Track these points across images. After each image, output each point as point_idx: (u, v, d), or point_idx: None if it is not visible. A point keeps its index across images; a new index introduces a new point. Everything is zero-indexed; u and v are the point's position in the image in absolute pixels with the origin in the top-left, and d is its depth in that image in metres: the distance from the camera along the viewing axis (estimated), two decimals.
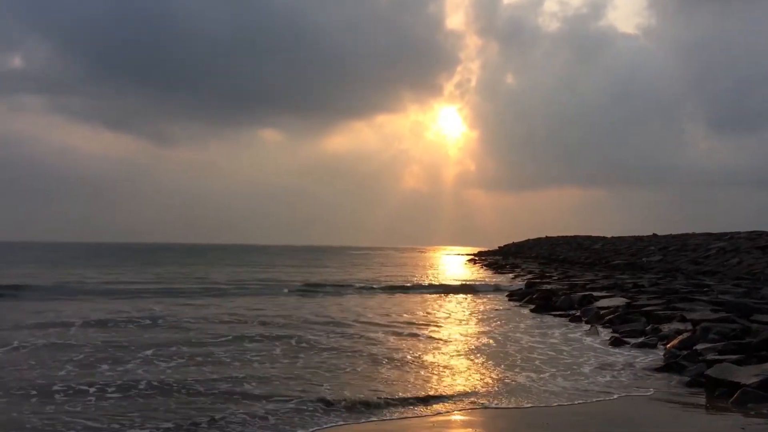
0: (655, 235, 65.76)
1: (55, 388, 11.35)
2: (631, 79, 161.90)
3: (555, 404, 11.64)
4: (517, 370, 14.79)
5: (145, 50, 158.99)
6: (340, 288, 36.94)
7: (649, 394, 12.58)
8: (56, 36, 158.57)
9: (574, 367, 15.27)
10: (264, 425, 9.62)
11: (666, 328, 18.87)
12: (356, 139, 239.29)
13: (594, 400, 12.05)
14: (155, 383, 11.88)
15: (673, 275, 36.73)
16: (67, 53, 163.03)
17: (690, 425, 10.34)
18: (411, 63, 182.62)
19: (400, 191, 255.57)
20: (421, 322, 23.39)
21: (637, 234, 72.67)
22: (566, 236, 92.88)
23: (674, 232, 63.04)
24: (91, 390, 11.29)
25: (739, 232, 49.98)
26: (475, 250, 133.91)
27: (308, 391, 11.64)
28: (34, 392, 10.98)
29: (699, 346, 15.72)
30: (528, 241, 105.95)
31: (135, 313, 23.07)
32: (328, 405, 10.74)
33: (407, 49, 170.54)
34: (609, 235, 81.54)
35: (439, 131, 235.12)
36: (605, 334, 20.17)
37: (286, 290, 34.53)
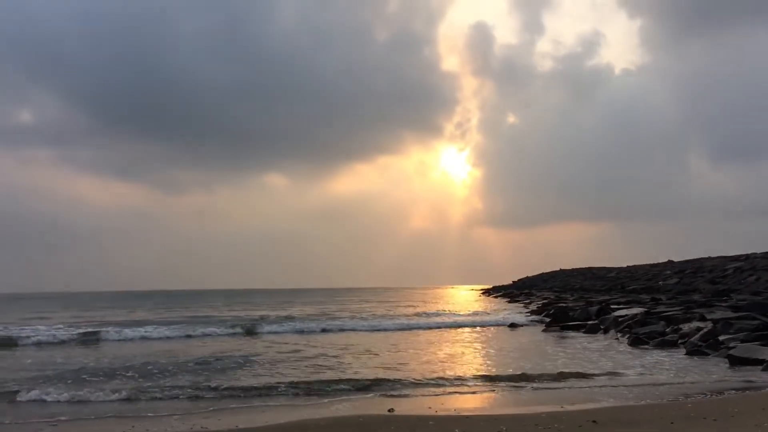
0: (670, 261, 65.11)
1: None
2: (630, 115, 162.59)
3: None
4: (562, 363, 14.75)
5: (150, 100, 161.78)
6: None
7: (673, 371, 12.52)
8: (63, 90, 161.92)
9: (608, 363, 15.19)
10: None
11: (686, 327, 18.63)
12: (360, 181, 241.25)
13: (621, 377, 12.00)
14: None
15: (690, 296, 36.26)
16: (74, 107, 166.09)
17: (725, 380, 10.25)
18: (410, 105, 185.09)
19: (407, 231, 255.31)
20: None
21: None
22: (580, 268, 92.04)
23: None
24: None
25: (755, 253, 49.49)
26: (488, 286, 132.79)
27: None
28: None
29: (721, 338, 15.57)
30: (542, 274, 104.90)
31: None
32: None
33: (405, 91, 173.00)
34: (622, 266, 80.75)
35: (443, 171, 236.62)
36: (624, 339, 19.93)
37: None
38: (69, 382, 12.69)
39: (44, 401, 10.72)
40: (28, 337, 22.46)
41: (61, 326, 27.92)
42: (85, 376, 13.37)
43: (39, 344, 21.35)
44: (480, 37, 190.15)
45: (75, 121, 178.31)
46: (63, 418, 9.49)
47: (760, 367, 11.92)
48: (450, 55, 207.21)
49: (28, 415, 9.68)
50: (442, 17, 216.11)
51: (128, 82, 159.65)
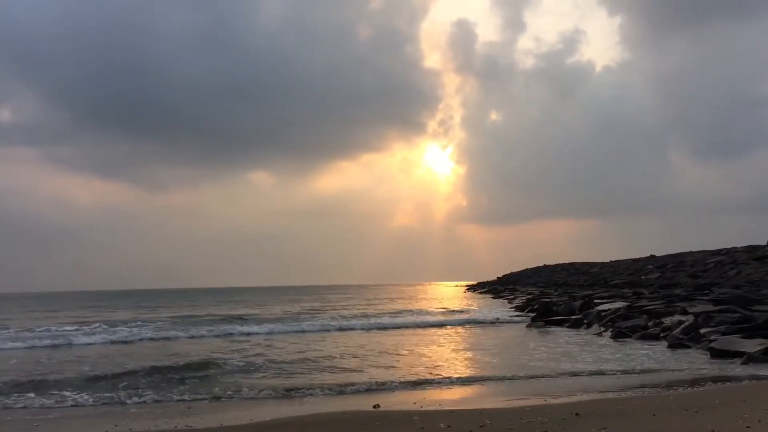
0: (652, 256, 65.70)
1: None
2: (612, 112, 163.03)
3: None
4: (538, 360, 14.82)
5: (133, 98, 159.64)
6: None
7: (655, 364, 12.64)
8: (44, 87, 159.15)
9: (591, 357, 15.30)
10: None
11: (668, 320, 18.82)
12: (345, 178, 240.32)
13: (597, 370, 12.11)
14: None
15: (672, 290, 36.56)
16: (56, 104, 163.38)
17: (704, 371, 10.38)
18: (393, 102, 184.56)
19: (392, 229, 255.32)
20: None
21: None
22: (564, 263, 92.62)
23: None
24: None
25: (736, 248, 50.05)
26: (473, 282, 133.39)
27: None
28: None
29: (702, 330, 15.74)
30: (526, 270, 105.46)
31: None
32: None
33: (388, 88, 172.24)
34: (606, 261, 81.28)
35: (427, 168, 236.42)
36: (608, 332, 20.10)
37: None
38: (49, 384, 12.54)
39: (26, 404, 10.57)
40: (6, 339, 22.15)
41: (43, 327, 27.65)
42: (65, 378, 13.21)
43: (19, 347, 20.99)
44: (462, 35, 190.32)
45: (56, 118, 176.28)
46: (48, 416, 9.41)
47: (740, 360, 12.10)
48: (432, 53, 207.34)
49: (10, 417, 9.56)
50: (425, 15, 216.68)
51: (111, 80, 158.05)
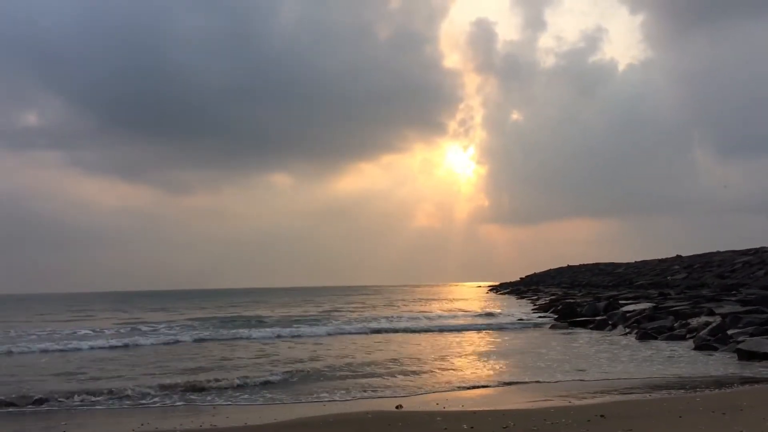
0: (678, 256, 64.77)
1: None
2: (635, 110, 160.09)
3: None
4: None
5: (155, 101, 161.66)
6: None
7: (681, 366, 12.47)
8: (69, 92, 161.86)
9: (616, 358, 15.16)
10: None
11: (694, 321, 18.55)
12: (365, 180, 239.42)
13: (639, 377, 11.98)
14: None
15: (699, 291, 35.95)
16: (80, 108, 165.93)
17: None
18: (413, 103, 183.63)
19: (413, 229, 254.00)
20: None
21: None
22: (588, 264, 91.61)
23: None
24: None
25: (764, 248, 49.11)
26: (495, 283, 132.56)
27: None
28: None
29: (730, 332, 15.50)
30: (550, 270, 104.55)
31: None
32: None
33: (408, 89, 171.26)
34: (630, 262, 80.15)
35: (448, 169, 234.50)
36: (633, 334, 19.86)
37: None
38: (74, 384, 12.75)
39: (55, 405, 10.77)
40: (34, 341, 22.55)
41: (73, 328, 28.16)
42: (89, 380, 13.42)
43: (51, 348, 21.19)
44: (482, 34, 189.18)
45: (81, 122, 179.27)
46: (76, 415, 9.59)
47: None
48: (452, 53, 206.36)
49: (38, 417, 9.77)
50: (444, 14, 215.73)
51: (134, 84, 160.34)
